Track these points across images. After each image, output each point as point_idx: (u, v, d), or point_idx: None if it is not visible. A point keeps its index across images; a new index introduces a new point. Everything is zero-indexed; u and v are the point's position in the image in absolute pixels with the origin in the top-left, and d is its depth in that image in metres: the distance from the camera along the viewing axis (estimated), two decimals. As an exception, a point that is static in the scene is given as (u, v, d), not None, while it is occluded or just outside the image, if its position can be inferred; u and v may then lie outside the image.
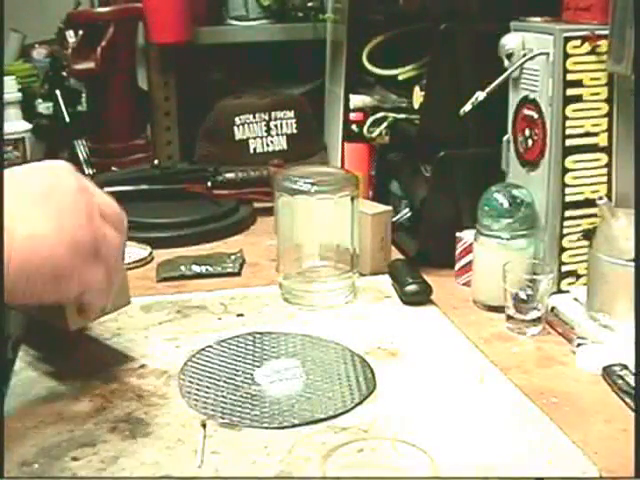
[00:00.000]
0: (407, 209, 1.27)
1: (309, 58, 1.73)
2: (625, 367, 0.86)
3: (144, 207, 1.40)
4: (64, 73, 1.70)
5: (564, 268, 1.04)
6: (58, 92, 1.66)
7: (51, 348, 0.96)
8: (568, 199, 1.02)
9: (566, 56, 0.99)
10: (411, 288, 1.07)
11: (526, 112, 1.06)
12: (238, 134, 1.64)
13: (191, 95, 1.81)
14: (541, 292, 0.97)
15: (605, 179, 1.02)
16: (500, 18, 1.08)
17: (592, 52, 0.99)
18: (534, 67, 1.03)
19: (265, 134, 1.64)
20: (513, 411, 0.81)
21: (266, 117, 1.64)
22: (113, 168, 1.64)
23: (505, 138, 1.11)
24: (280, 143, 1.65)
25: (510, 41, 1.06)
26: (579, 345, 0.92)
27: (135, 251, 1.26)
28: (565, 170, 1.02)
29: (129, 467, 0.72)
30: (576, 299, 1.00)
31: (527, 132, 1.06)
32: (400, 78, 1.27)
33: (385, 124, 1.31)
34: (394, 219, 1.23)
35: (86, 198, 0.73)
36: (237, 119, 1.63)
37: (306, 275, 1.11)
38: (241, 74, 1.85)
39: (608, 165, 1.02)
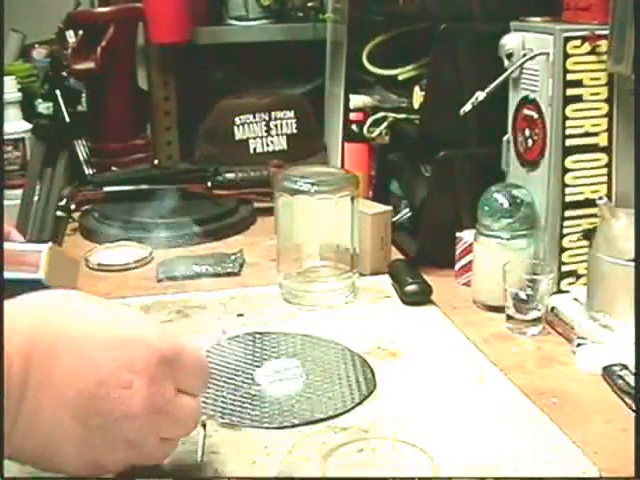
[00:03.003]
0: (407, 209, 1.27)
1: (309, 58, 1.73)
2: (625, 367, 0.86)
3: (144, 207, 1.40)
4: (64, 73, 1.69)
5: (564, 268, 1.04)
6: (58, 92, 1.66)
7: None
8: (568, 199, 1.02)
9: (566, 56, 0.99)
10: (411, 288, 1.07)
11: (526, 112, 1.06)
12: (238, 134, 1.64)
13: (191, 95, 1.81)
14: (541, 292, 0.97)
15: (605, 179, 1.02)
16: (500, 18, 1.08)
17: (592, 52, 0.99)
18: (534, 67, 1.03)
19: (265, 134, 1.64)
20: (513, 411, 0.81)
21: (266, 117, 1.64)
22: (113, 168, 1.64)
23: (505, 138, 1.11)
24: (280, 143, 1.65)
25: (510, 41, 1.06)
26: (579, 345, 0.92)
27: (135, 251, 1.27)
28: (565, 170, 1.02)
29: (129, 467, 0.72)
30: (576, 299, 1.00)
31: (527, 132, 1.06)
32: (400, 78, 1.27)
33: (385, 124, 1.31)
34: (394, 219, 1.23)
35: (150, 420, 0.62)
36: (237, 119, 1.63)
37: (306, 275, 1.11)
38: (241, 74, 1.85)
39: (608, 165, 1.02)
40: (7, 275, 0.78)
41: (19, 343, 0.58)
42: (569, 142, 1.01)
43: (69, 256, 0.94)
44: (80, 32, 1.66)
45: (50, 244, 0.87)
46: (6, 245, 0.82)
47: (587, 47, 0.99)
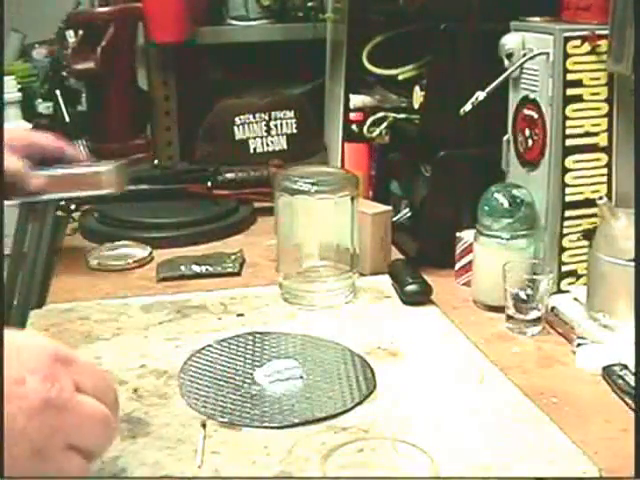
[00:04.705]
0: (407, 209, 1.27)
1: (309, 58, 1.73)
2: (625, 367, 0.86)
3: (144, 207, 1.40)
4: (64, 73, 1.70)
5: (564, 268, 1.04)
6: (58, 92, 1.66)
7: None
8: (568, 199, 1.02)
9: (566, 56, 0.99)
10: (411, 288, 1.07)
11: (526, 112, 1.06)
12: (238, 134, 1.64)
13: (191, 95, 1.81)
14: (541, 292, 0.97)
15: (605, 179, 1.02)
16: (500, 18, 1.08)
17: (592, 52, 0.99)
18: (534, 67, 1.03)
19: (265, 134, 1.64)
20: (513, 411, 0.81)
21: (266, 117, 1.64)
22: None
23: (505, 138, 1.11)
24: (280, 143, 1.65)
25: (510, 41, 1.06)
26: (579, 345, 0.92)
27: (135, 251, 1.27)
28: (565, 170, 1.02)
29: (129, 467, 0.72)
30: (576, 299, 1.00)
31: (527, 132, 1.06)
32: (400, 78, 1.27)
33: (385, 124, 1.31)
34: (394, 219, 1.23)
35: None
36: (237, 119, 1.63)
37: (306, 275, 1.11)
38: (241, 74, 1.85)
39: (608, 165, 1.02)
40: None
41: None
42: (569, 142, 1.01)
43: None
44: (80, 32, 1.66)
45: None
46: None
47: (587, 47, 0.99)
